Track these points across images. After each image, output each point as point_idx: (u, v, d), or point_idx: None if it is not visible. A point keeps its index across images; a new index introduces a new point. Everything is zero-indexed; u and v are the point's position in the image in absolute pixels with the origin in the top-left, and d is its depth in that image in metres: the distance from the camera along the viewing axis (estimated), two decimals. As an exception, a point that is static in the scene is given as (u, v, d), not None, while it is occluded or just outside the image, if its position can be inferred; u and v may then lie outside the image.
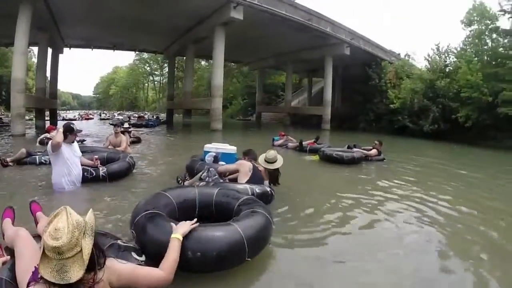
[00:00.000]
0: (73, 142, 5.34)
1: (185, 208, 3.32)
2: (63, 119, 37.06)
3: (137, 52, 63.27)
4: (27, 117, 21.34)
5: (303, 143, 11.23)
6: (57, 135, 4.94)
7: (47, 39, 22.77)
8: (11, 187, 5.52)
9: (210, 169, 4.74)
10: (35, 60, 33.13)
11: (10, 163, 7.24)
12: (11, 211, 2.94)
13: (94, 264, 1.60)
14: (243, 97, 50.48)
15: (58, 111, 40.85)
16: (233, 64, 46.46)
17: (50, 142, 5.07)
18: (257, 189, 4.36)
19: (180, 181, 5.43)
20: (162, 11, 21.01)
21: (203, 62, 58.57)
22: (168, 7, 20.24)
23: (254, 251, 2.68)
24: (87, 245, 1.54)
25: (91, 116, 47.45)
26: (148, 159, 8.79)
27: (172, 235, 2.33)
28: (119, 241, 2.43)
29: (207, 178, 4.58)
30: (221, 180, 4.70)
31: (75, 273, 1.49)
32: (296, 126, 27.37)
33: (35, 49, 28.25)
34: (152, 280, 1.98)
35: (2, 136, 15.44)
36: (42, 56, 23.64)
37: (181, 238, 2.33)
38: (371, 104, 27.88)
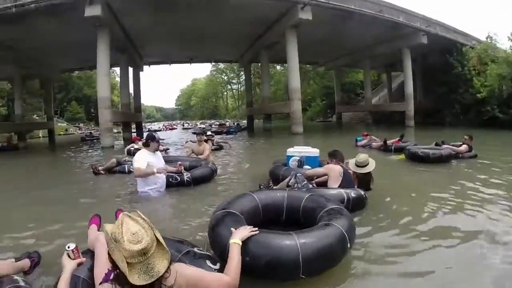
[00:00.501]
0: (156, 150, 5.56)
1: (270, 211, 3.27)
2: (149, 130, 39.49)
3: (213, 63, 65.33)
4: (115, 130, 23.67)
5: (388, 142, 10.63)
6: (140, 170, 5.15)
7: (126, 60, 24.98)
8: (102, 194, 6.10)
9: (298, 174, 4.46)
10: (118, 79, 35.53)
11: (102, 172, 7.91)
12: (98, 219, 3.12)
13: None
14: (322, 99, 49.64)
15: (143, 124, 44.14)
16: (308, 66, 45.98)
17: (134, 166, 5.32)
18: (352, 193, 4.08)
19: (263, 188, 4.94)
20: (229, 20, 21.32)
21: (278, 67, 58.86)
22: (235, 16, 20.46)
23: (312, 269, 2.40)
24: (159, 236, 1.60)
25: (174, 127, 50.77)
26: (230, 166, 8.94)
27: (231, 240, 2.30)
28: (195, 249, 2.45)
29: (296, 184, 4.29)
30: (311, 186, 4.38)
31: (162, 264, 1.56)
32: (378, 124, 26.29)
33: (117, 69, 30.76)
34: (219, 285, 1.96)
35: (94, 149, 17.59)
36: (124, 75, 26.18)
37: (239, 243, 2.27)
38: (456, 95, 25.19)
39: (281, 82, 54.17)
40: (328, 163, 4.88)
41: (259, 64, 31.82)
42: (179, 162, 6.39)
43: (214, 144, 12.16)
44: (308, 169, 5.33)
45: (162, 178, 5.52)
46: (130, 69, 28.64)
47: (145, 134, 20.56)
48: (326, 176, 4.65)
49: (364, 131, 13.37)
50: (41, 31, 20.33)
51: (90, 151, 17.06)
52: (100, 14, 16.98)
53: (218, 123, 40.80)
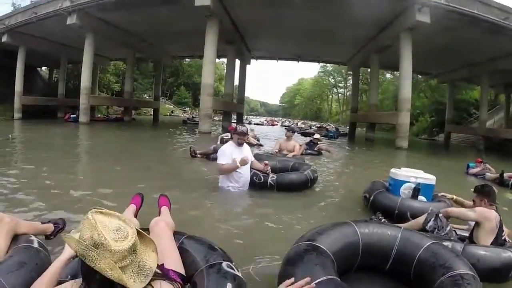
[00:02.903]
0: (241, 144, 5.09)
1: (373, 254, 2.38)
2: (249, 123, 41.27)
3: (321, 64, 64.38)
4: (216, 119, 25.16)
5: (505, 174, 8.62)
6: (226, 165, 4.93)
7: (234, 51, 25.77)
8: (183, 177, 6.38)
9: (440, 215, 3.23)
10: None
11: (198, 155, 8.44)
12: (140, 198, 3.01)
13: None
14: (430, 114, 45.24)
15: (246, 116, 46.48)
16: (419, 76, 42.50)
17: (217, 162, 5.10)
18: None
19: (380, 218, 3.94)
20: (342, 20, 20.19)
21: (388, 75, 55.50)
22: (348, 16, 19.12)
23: None
24: (138, 229, 1.38)
25: (275, 123, 52.02)
26: (326, 174, 7.81)
27: None
28: (224, 264, 1.97)
29: (435, 230, 3.14)
30: (454, 234, 3.27)
31: (151, 258, 1.38)
32: (491, 151, 22.73)
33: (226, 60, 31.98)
34: None
35: (192, 132, 19.45)
36: (230, 66, 27.10)
37: None
38: None
39: (389, 91, 50.77)
40: (473, 203, 3.52)
41: (368, 70, 30.29)
42: (266, 161, 5.58)
43: (316, 150, 11.20)
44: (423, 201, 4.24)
45: (245, 176, 5.11)
46: (237, 61, 29.74)
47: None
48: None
49: (478, 157, 11.43)
50: (155, 18, 21.91)
51: (186, 134, 19.28)
52: (210, 4, 17.62)
53: (319, 125, 39.64)
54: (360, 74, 39.45)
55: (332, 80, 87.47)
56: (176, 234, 2.23)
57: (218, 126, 24.71)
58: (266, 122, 52.65)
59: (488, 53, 23.50)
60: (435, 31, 18.74)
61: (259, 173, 5.26)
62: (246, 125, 27.79)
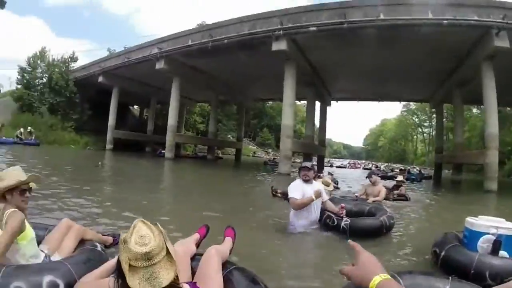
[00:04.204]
0: (307, 180, 4.93)
1: None
2: (331, 165, 40.91)
3: (404, 103, 62.48)
4: (298, 160, 26.96)
5: None
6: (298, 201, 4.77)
7: (314, 93, 26.26)
8: (254, 213, 6.46)
9: None
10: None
11: (279, 194, 8.39)
12: (205, 229, 3.06)
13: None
14: (525, 151, 40.99)
15: (329, 159, 46.23)
16: (508, 109, 39.19)
17: (289, 197, 4.94)
18: None
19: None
20: (416, 56, 19.69)
21: (475, 110, 51.86)
22: (422, 50, 18.72)
23: None
24: (171, 247, 1.54)
25: (357, 166, 51.46)
26: (406, 221, 7.16)
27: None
28: None
29: None
30: None
31: (166, 276, 1.47)
32: None
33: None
34: None
35: (272, 173, 19.91)
36: (310, 108, 27.38)
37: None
38: None
39: (477, 128, 47.09)
40: None
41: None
42: (343, 204, 5.36)
43: (394, 194, 10.19)
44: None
45: (315, 214, 4.97)
46: (318, 104, 30.13)
47: (326, 169, 21.51)
48: None
49: None
50: (235, 63, 23.35)
51: (267, 174, 19.69)
52: (286, 48, 18.31)
53: (403, 167, 37.84)
54: (445, 111, 37.50)
55: (416, 119, 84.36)
56: (227, 264, 2.34)
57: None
58: (348, 164, 52.80)
59: None
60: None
61: (332, 215, 5.03)
62: (327, 168, 27.94)
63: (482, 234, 3.57)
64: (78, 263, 2.35)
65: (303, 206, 4.76)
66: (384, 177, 21.68)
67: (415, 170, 32.99)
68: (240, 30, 19.55)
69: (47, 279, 2.10)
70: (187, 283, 1.79)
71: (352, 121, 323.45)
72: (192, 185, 12.54)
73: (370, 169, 38.40)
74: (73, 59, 36.13)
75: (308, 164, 5.06)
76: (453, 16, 15.84)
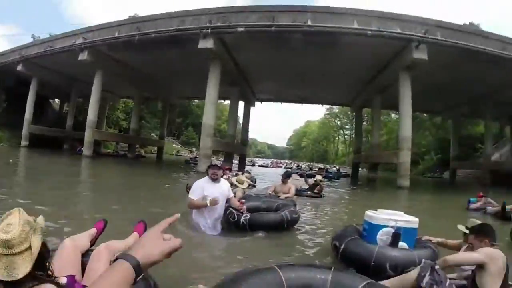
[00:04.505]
0: (215, 179, 4.92)
1: None
2: (253, 164, 41.81)
3: (327, 106, 65.04)
4: (221, 159, 26.93)
5: (506, 207, 8.55)
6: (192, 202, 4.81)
7: (237, 93, 26.44)
8: (165, 209, 6.45)
9: (436, 267, 2.56)
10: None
11: None
12: (102, 224, 3.00)
13: (42, 265, 1.56)
14: (436, 152, 45.20)
15: (251, 158, 46.83)
16: (425, 114, 42.83)
17: (189, 194, 4.97)
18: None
19: None
20: (341, 63, 20.70)
21: (393, 115, 55.73)
22: (347, 58, 19.74)
23: None
24: (36, 241, 1.51)
25: (279, 165, 53.20)
26: (311, 214, 7.71)
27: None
28: None
29: (433, 286, 2.49)
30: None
31: (23, 269, 1.44)
32: (498, 186, 22.57)
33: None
34: None
35: (191, 171, 20.15)
36: (233, 108, 27.68)
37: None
38: None
39: (394, 132, 51.00)
40: (470, 244, 3.08)
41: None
42: (242, 200, 5.49)
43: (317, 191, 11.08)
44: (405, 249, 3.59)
45: (217, 214, 4.93)
46: (241, 103, 30.42)
47: (247, 168, 21.94)
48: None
49: (479, 192, 11.14)
50: (162, 58, 22.99)
51: (185, 173, 19.65)
52: (213, 47, 18.29)
53: (321, 166, 39.72)
54: (366, 115, 39.79)
55: (339, 122, 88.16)
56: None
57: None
58: (270, 164, 54.35)
59: (490, 86, 23.56)
60: (435, 67, 18.93)
61: (234, 211, 5.11)
62: (249, 167, 28.39)
63: (381, 227, 3.70)
64: None
65: (196, 208, 4.80)
66: (302, 176, 22.69)
67: (333, 168, 34.60)
68: (168, 25, 19.18)
69: None
70: (66, 276, 1.81)
71: (276, 121, 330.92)
72: (105, 182, 12.46)
73: (291, 168, 39.97)
74: (-12, 42, 32.95)
75: (217, 162, 5.13)
76: (378, 28, 16.95)
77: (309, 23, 17.06)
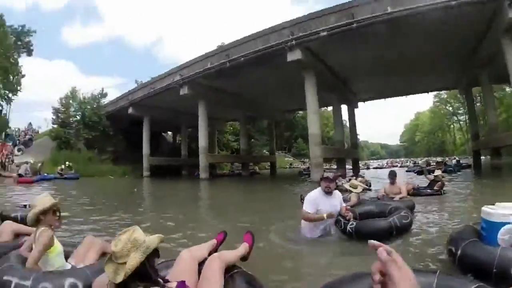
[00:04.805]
0: (329, 191, 4.83)
1: None
2: (367, 168, 42.10)
3: (434, 93, 60.78)
4: (334, 166, 27.15)
5: None
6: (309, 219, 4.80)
7: (338, 97, 26.35)
8: (277, 221, 6.42)
9: None
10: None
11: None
12: (223, 236, 3.27)
13: (144, 276, 1.84)
14: None
15: (365, 161, 46.34)
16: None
17: (303, 206, 4.88)
18: None
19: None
20: (434, 43, 19.20)
21: (507, 88, 48.10)
22: (439, 37, 18.28)
23: None
24: (134, 258, 1.77)
25: (395, 164, 52.25)
26: (428, 215, 6.75)
27: None
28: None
29: None
30: None
31: (121, 276, 1.73)
32: None
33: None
34: None
35: (305, 182, 20.28)
36: (336, 112, 27.72)
37: None
38: None
39: (512, 106, 45.18)
40: None
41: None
42: (346, 205, 5.27)
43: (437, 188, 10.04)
44: None
45: (329, 222, 4.89)
46: (344, 107, 30.27)
47: (362, 172, 21.75)
48: None
49: None
50: (255, 78, 23.78)
51: (300, 183, 20.04)
52: (301, 57, 18.48)
53: (439, 160, 36.92)
54: (478, 95, 36.45)
55: (450, 108, 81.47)
56: (234, 267, 2.57)
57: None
58: (386, 164, 54.42)
59: None
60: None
61: (341, 219, 4.88)
62: (364, 171, 27.69)
63: (502, 224, 3.08)
64: (96, 269, 2.67)
65: (313, 221, 4.72)
66: (419, 173, 21.35)
67: (452, 161, 32.03)
68: (254, 46, 19.92)
69: (68, 281, 2.56)
70: (178, 282, 2.07)
71: (386, 119, 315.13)
72: (221, 199, 13.73)
73: (407, 166, 38.17)
74: (103, 94, 38.43)
75: (329, 174, 4.89)
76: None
77: (389, 10, 16.14)
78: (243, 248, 3.10)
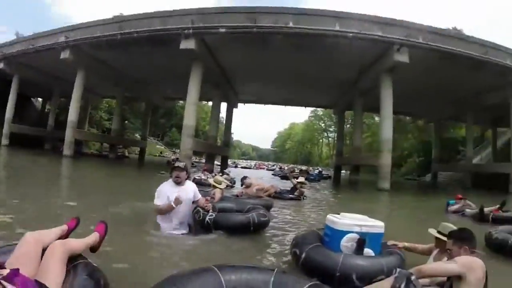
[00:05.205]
0: (179, 182, 4.71)
1: None
2: (236, 166, 42.47)
3: (312, 109, 65.27)
4: (203, 161, 27.96)
5: (485, 209, 8.35)
6: (160, 207, 4.62)
7: (220, 94, 26.58)
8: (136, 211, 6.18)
9: (412, 277, 2.27)
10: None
11: None
12: (75, 222, 2.98)
13: None
14: (419, 154, 45.92)
15: (234, 160, 47.33)
16: (408, 117, 43.41)
17: (154, 201, 4.71)
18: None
19: None
20: (324, 64, 20.85)
21: (377, 118, 55.44)
22: (329, 59, 19.92)
23: None
24: None
25: (263, 166, 55.89)
26: (286, 216, 7.41)
27: None
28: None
29: None
30: None
31: None
32: (478, 188, 22.99)
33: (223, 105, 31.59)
34: None
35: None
36: (215, 109, 27.91)
37: None
38: None
39: (378, 134, 51.47)
40: (448, 250, 2.83)
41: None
42: (207, 197, 5.31)
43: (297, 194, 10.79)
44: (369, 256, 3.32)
45: (182, 214, 4.74)
46: (224, 105, 30.74)
47: (229, 169, 21.95)
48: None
49: (459, 194, 10.87)
50: (144, 59, 22.92)
51: (165, 173, 18.46)
52: (194, 47, 18.36)
53: (304, 168, 40.08)
54: (350, 118, 40.05)
55: (323, 125, 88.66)
56: (79, 258, 2.36)
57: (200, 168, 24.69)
58: (253, 166, 57.11)
59: (470, 90, 23.86)
60: (417, 70, 19.23)
61: (200, 210, 4.92)
62: (231, 168, 28.41)
63: (345, 233, 3.36)
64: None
65: (164, 212, 4.62)
66: (283, 178, 22.83)
67: (315, 171, 34.91)
68: (151, 25, 19.15)
69: None
70: (11, 269, 1.80)
71: (262, 124, 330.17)
72: (78, 181, 12.55)
73: (273, 169, 40.45)
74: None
75: (181, 164, 4.83)
76: (359, 30, 17.19)
77: (291, 24, 17.20)
78: (93, 237, 2.89)
